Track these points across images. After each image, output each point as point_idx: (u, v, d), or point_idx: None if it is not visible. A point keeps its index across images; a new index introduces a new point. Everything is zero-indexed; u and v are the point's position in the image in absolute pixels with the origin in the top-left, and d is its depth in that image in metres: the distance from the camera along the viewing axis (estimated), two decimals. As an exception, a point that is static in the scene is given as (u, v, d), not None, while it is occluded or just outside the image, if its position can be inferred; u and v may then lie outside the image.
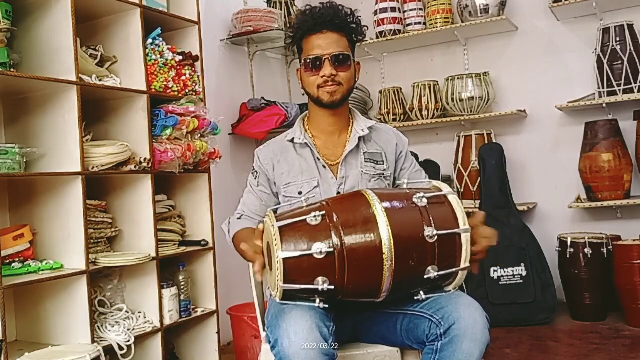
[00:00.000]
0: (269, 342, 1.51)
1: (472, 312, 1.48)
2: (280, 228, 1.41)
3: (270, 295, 1.73)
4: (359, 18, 1.84)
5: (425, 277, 1.45)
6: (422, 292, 1.50)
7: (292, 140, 1.85)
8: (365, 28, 1.86)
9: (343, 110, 1.86)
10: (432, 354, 1.49)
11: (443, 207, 1.50)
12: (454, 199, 1.52)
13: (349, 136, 1.85)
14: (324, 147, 1.84)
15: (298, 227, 1.43)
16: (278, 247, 1.39)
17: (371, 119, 1.93)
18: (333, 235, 1.40)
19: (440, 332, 1.48)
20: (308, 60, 1.77)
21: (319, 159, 1.81)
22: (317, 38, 1.76)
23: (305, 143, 1.83)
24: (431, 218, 1.45)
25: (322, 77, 1.75)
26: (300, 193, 1.77)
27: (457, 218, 1.48)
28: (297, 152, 1.84)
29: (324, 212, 1.44)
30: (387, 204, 1.45)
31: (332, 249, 1.39)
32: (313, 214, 1.43)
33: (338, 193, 1.77)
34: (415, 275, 1.45)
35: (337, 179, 1.80)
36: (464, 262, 1.47)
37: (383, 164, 1.84)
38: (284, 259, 1.38)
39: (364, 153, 1.83)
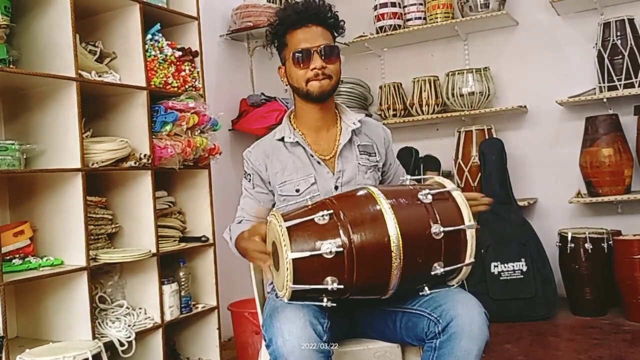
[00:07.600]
0: (265, 341, 1.50)
1: (470, 309, 1.47)
2: (288, 228, 1.38)
3: (269, 292, 1.72)
4: (337, 13, 1.83)
5: (432, 273, 1.44)
6: (426, 288, 1.50)
7: (282, 139, 1.83)
8: (342, 22, 1.84)
9: (330, 105, 1.85)
10: (431, 351, 1.49)
11: (447, 203, 1.50)
12: (458, 195, 1.52)
13: (339, 130, 1.84)
14: (314, 143, 1.83)
15: (306, 226, 1.40)
16: (287, 247, 1.36)
17: (359, 113, 1.93)
18: (342, 233, 1.38)
19: (439, 330, 1.48)
20: (297, 54, 1.74)
21: (312, 156, 1.80)
22: (303, 32, 1.75)
23: (297, 142, 1.81)
24: (437, 215, 1.45)
25: (312, 69, 1.73)
26: (297, 190, 1.76)
27: (462, 214, 1.48)
28: (289, 150, 1.82)
29: (331, 211, 1.41)
30: (393, 201, 1.43)
31: (341, 249, 1.37)
32: (321, 212, 1.40)
33: (335, 187, 1.77)
34: (422, 271, 1.45)
35: (333, 173, 1.78)
36: (469, 258, 1.47)
37: (375, 156, 1.85)
38: (294, 260, 1.35)
39: (358, 145, 1.83)
